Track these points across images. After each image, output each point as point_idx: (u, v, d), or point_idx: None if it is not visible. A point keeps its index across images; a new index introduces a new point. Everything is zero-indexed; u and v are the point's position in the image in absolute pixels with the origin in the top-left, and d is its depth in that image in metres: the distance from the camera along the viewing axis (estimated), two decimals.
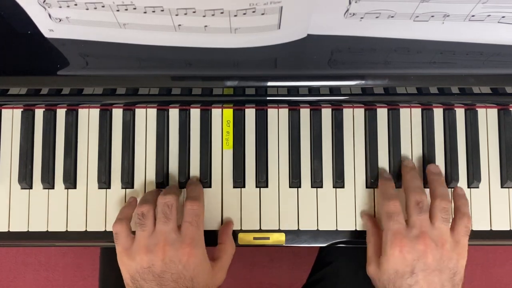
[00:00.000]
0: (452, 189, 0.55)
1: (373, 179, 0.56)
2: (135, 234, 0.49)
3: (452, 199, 0.54)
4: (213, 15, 0.44)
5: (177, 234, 0.48)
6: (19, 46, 0.50)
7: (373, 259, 0.51)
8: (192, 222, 0.49)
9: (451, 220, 0.51)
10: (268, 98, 0.54)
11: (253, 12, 0.43)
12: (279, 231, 0.56)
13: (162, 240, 0.47)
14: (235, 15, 0.44)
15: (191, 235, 0.48)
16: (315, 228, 0.55)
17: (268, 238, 0.55)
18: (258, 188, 0.56)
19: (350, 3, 0.44)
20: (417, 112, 0.57)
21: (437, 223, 0.48)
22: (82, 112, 0.57)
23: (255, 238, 0.55)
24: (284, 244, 0.56)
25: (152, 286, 0.46)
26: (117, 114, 0.57)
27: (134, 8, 0.44)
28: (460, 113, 0.57)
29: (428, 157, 0.56)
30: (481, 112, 0.57)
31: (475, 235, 0.56)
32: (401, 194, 0.53)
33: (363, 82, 0.50)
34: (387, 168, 0.56)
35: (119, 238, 0.49)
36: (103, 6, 0.43)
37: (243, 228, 0.55)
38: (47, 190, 0.56)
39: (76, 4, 0.44)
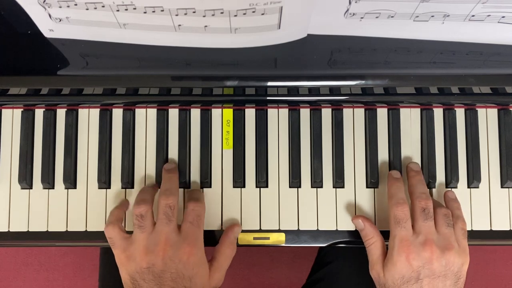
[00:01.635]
0: (443, 194, 0.55)
1: (373, 179, 0.56)
2: (133, 235, 0.49)
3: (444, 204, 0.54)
4: (213, 15, 0.44)
5: (177, 234, 0.48)
6: (19, 46, 0.50)
7: (378, 262, 0.50)
8: (193, 222, 0.49)
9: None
10: (268, 98, 0.54)
11: (253, 12, 0.43)
12: (279, 231, 0.56)
13: (163, 240, 0.47)
14: (235, 15, 0.44)
15: (192, 235, 0.49)
16: (315, 228, 0.55)
17: (268, 238, 0.55)
18: (258, 188, 0.56)
19: (350, 3, 0.44)
20: (417, 112, 0.57)
21: (441, 229, 0.49)
22: (82, 112, 0.57)
23: (255, 238, 0.55)
24: (284, 244, 0.56)
25: (151, 286, 0.46)
26: (117, 114, 0.57)
27: (134, 8, 0.44)
28: (460, 113, 0.57)
29: (428, 157, 0.56)
30: (481, 112, 0.57)
31: (475, 235, 0.56)
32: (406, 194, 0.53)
33: (363, 82, 0.50)
34: (387, 168, 0.56)
35: (114, 241, 0.49)
36: (103, 6, 0.43)
37: (243, 228, 0.55)
38: (47, 190, 0.56)
39: (76, 4, 0.44)
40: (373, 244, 0.52)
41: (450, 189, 0.56)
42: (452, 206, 0.53)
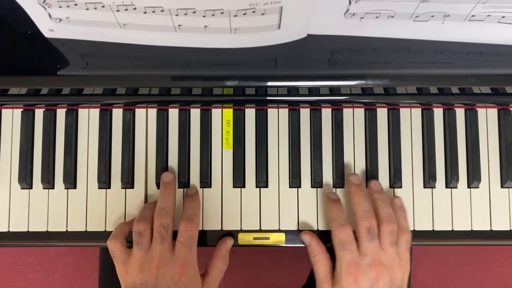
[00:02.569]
0: (391, 200, 0.55)
1: (373, 179, 0.56)
2: (132, 250, 0.50)
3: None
4: (213, 15, 0.44)
5: (171, 253, 0.49)
6: (19, 46, 0.50)
7: (326, 282, 0.50)
8: (185, 243, 0.50)
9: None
10: (268, 98, 0.54)
11: (253, 12, 0.43)
12: (279, 231, 0.56)
13: (157, 258, 0.48)
14: (235, 15, 0.44)
15: (184, 256, 0.49)
16: (315, 228, 0.55)
17: (268, 238, 0.55)
18: (258, 188, 0.56)
19: (350, 3, 0.44)
20: (417, 112, 0.57)
21: (386, 247, 0.50)
22: (82, 112, 0.57)
23: (255, 238, 0.55)
24: (284, 244, 0.56)
25: None
26: (117, 114, 0.57)
27: (134, 8, 0.44)
28: (460, 113, 0.57)
29: (428, 157, 0.56)
30: (481, 112, 0.57)
31: (475, 235, 0.56)
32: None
33: (363, 82, 0.50)
34: (387, 168, 0.56)
35: (115, 255, 0.51)
36: (103, 6, 0.44)
37: (243, 228, 0.55)
38: (47, 190, 0.56)
39: (76, 4, 0.44)
40: (318, 262, 0.52)
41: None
42: (399, 215, 0.53)
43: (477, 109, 0.57)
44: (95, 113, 0.56)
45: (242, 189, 0.56)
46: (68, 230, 0.55)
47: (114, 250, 0.51)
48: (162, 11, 0.44)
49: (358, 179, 0.54)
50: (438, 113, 0.57)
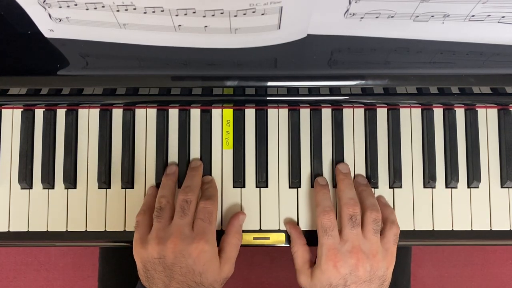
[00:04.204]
0: (376, 198, 0.55)
1: (373, 180, 0.56)
2: (153, 225, 0.50)
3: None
4: (213, 15, 0.44)
5: (190, 230, 0.49)
6: (19, 46, 0.50)
7: (303, 270, 0.52)
8: (204, 219, 0.50)
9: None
10: (268, 98, 0.54)
11: (253, 12, 0.43)
12: (279, 231, 0.56)
13: (176, 233, 0.48)
14: (235, 16, 0.44)
15: (203, 231, 0.49)
16: (315, 228, 0.55)
17: (268, 238, 0.55)
18: (258, 188, 0.56)
19: (350, 3, 0.44)
20: (417, 112, 0.57)
21: (368, 235, 0.50)
22: (82, 112, 0.57)
23: (255, 238, 0.55)
24: (284, 244, 0.56)
25: (161, 277, 0.47)
26: (117, 114, 0.57)
27: (134, 9, 0.44)
28: (460, 113, 0.57)
29: (428, 157, 0.56)
30: (481, 112, 0.57)
31: (476, 235, 0.56)
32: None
33: (363, 82, 0.50)
34: (387, 168, 0.56)
35: (139, 226, 0.51)
36: (103, 6, 0.44)
37: (243, 228, 0.55)
38: (47, 190, 0.56)
39: (76, 4, 0.44)
40: (295, 252, 0.53)
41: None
42: (387, 211, 0.53)
43: (477, 109, 0.57)
44: (95, 113, 0.56)
45: (242, 189, 0.56)
46: (68, 230, 0.55)
47: (140, 222, 0.51)
48: (162, 11, 0.44)
49: (347, 168, 0.55)
50: (438, 113, 0.57)
